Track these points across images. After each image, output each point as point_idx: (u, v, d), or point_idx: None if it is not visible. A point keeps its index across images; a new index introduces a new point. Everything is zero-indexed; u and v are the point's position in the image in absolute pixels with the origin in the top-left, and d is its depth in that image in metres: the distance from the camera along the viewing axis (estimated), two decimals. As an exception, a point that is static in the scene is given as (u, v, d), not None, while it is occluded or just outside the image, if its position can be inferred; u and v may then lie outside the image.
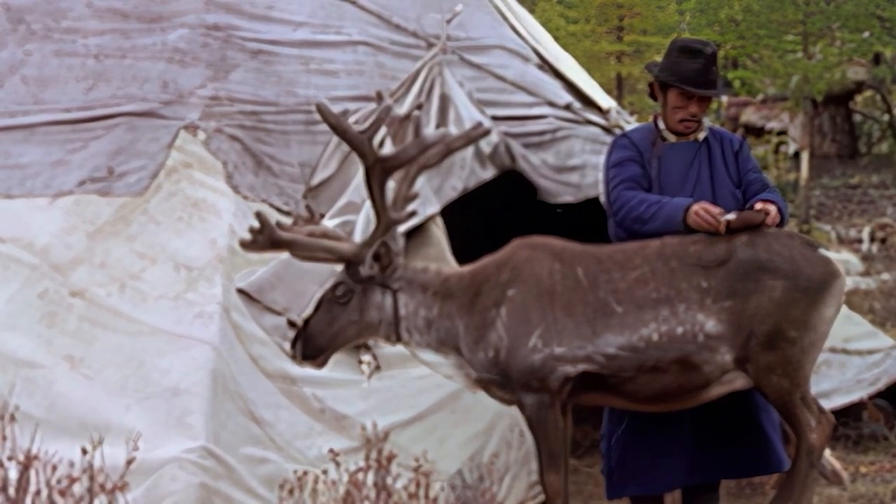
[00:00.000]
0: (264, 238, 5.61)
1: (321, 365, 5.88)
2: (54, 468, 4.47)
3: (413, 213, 5.92)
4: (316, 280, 6.40)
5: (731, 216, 5.88)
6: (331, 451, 5.29)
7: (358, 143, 5.57)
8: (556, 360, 5.66)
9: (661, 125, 6.11)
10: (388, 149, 6.38)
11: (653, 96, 6.23)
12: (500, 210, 8.38)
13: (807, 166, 19.92)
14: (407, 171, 5.90)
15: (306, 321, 5.87)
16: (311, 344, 5.78)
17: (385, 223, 5.70)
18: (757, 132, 23.99)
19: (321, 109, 5.57)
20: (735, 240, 5.79)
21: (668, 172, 6.08)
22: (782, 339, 5.66)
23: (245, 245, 5.71)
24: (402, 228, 6.07)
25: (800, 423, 5.79)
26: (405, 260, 5.94)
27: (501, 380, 5.77)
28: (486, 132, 6.35)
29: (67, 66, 7.05)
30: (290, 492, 4.98)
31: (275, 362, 6.22)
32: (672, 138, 6.12)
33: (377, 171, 5.59)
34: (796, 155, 21.95)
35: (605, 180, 6.19)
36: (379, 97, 6.31)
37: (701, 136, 6.15)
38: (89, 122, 6.83)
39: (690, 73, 5.94)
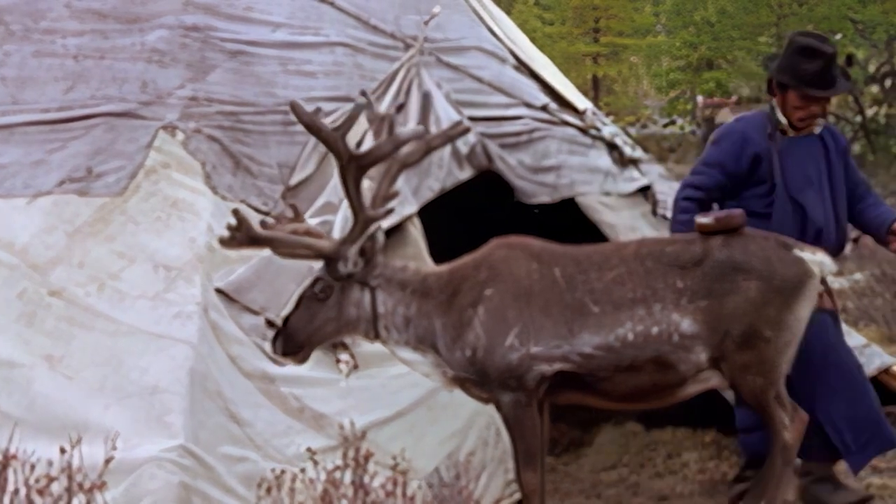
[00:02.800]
0: (242, 235, 5.65)
1: (301, 361, 5.92)
2: (32, 467, 4.48)
3: (390, 211, 5.95)
4: (294, 279, 6.43)
5: (708, 219, 5.93)
6: (308, 449, 5.31)
7: (331, 141, 5.60)
8: (533, 359, 5.71)
9: (782, 119, 6.34)
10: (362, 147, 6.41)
11: (770, 91, 6.46)
12: (477, 210, 8.40)
13: (780, 167, 20.03)
14: (388, 169, 5.94)
15: (286, 318, 5.91)
16: (291, 340, 5.82)
17: (362, 221, 5.73)
18: (731, 133, 24.06)
19: (295, 108, 5.60)
20: (711, 241, 5.85)
21: (792, 167, 6.33)
22: (757, 338, 5.71)
23: (223, 242, 5.74)
24: (382, 227, 6.09)
25: (774, 422, 5.85)
26: (384, 258, 5.98)
27: (478, 378, 5.81)
28: (466, 130, 6.39)
29: (46, 66, 7.04)
30: (268, 490, 5.00)
31: (253, 361, 6.23)
32: (791, 132, 6.40)
33: (352, 169, 5.62)
34: (770, 156, 22.06)
35: (700, 158, 6.74)
36: (363, 96, 6.35)
37: (817, 130, 6.41)
38: (68, 123, 6.81)
39: (810, 75, 6.15)
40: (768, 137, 6.23)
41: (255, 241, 5.74)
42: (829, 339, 6.41)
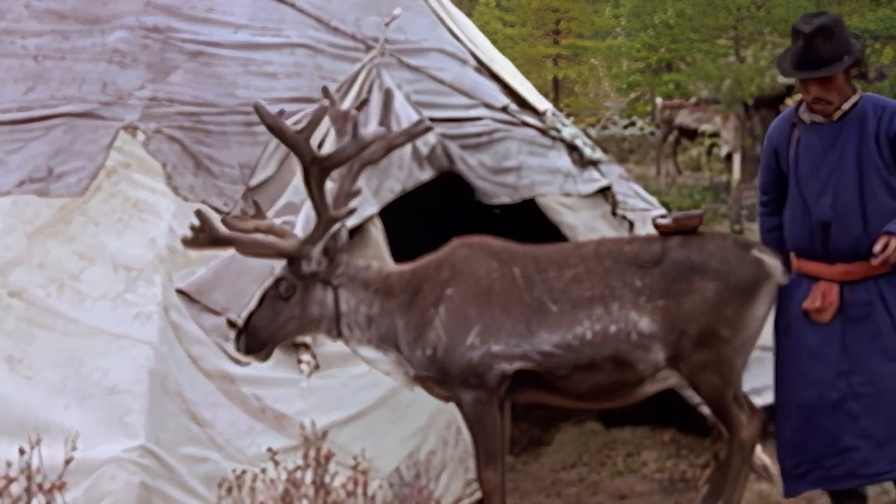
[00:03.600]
0: (205, 235, 5.65)
1: (264, 358, 5.94)
2: (-8, 468, 4.46)
3: (353, 211, 5.96)
4: (255, 280, 6.43)
5: (667, 220, 5.98)
6: (269, 449, 5.31)
7: (295, 143, 5.61)
8: (494, 357, 5.73)
9: (802, 108, 5.84)
10: (327, 148, 6.42)
11: None
12: (437, 211, 8.43)
13: (739, 168, 20.08)
14: (349, 167, 5.96)
15: (249, 317, 5.92)
16: (253, 338, 5.84)
17: (325, 221, 5.74)
18: (690, 134, 24.16)
19: (259, 110, 5.60)
20: (669, 241, 5.89)
21: (802, 158, 5.74)
22: (714, 338, 5.75)
23: (186, 242, 5.74)
24: (346, 226, 6.11)
25: (732, 421, 5.90)
26: (347, 257, 5.99)
27: (440, 377, 5.84)
28: (427, 129, 6.42)
29: (6, 67, 6.99)
30: (229, 490, 4.99)
31: (214, 362, 6.22)
32: (807, 119, 5.74)
33: (315, 171, 5.63)
34: (728, 157, 22.09)
35: None
36: (326, 94, 6.36)
37: (837, 115, 5.58)
38: (28, 123, 6.78)
39: (793, 56, 5.67)
40: (791, 129, 5.83)
41: (218, 241, 5.75)
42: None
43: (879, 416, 5.52)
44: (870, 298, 5.54)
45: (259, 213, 6.04)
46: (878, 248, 5.33)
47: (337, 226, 5.86)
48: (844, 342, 5.56)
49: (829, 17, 5.54)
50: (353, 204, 6.04)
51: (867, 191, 5.44)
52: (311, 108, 6.88)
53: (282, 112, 5.68)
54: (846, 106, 5.54)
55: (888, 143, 5.42)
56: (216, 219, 5.94)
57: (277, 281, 5.88)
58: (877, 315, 5.53)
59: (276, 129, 5.64)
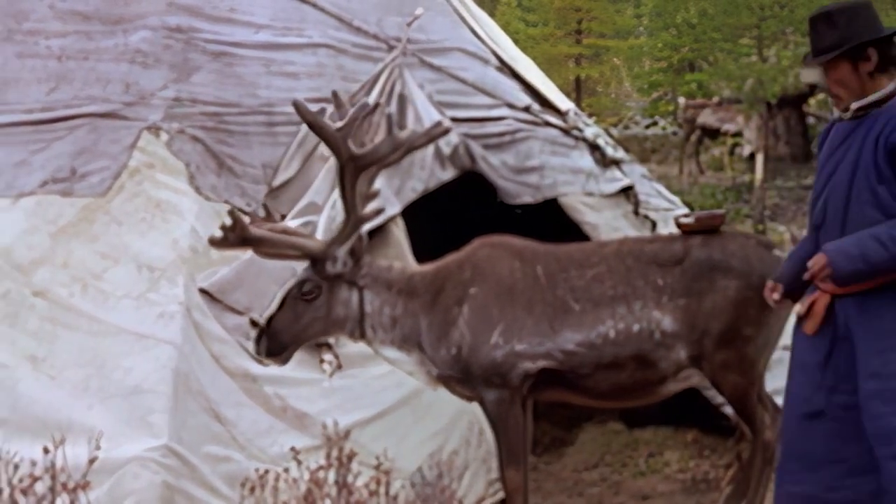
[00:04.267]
0: (235, 235, 5.67)
1: (284, 361, 5.95)
2: (16, 467, 4.47)
3: (381, 212, 5.98)
4: (277, 280, 6.44)
5: (689, 219, 5.97)
6: (292, 449, 5.32)
7: (333, 141, 5.62)
8: (517, 356, 5.73)
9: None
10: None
11: None
12: (459, 211, 8.42)
13: (761, 168, 20.00)
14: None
15: (270, 318, 5.92)
16: (275, 341, 5.85)
17: (354, 221, 5.75)
18: (713, 134, 24.09)
19: (298, 107, 5.62)
20: (691, 240, 5.88)
21: (822, 157, 5.14)
22: (737, 337, 5.74)
23: (215, 242, 5.75)
24: (365, 228, 6.11)
25: (755, 421, 5.89)
26: (370, 258, 6.00)
27: (463, 376, 5.84)
28: (447, 130, 6.41)
29: (30, 67, 7.03)
30: (252, 490, 5.00)
31: (236, 361, 6.24)
32: (837, 114, 5.14)
33: (350, 169, 5.65)
34: (751, 157, 22.03)
35: None
36: (335, 97, 6.37)
37: (849, 112, 4.96)
38: (52, 123, 6.81)
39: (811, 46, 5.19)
40: (831, 125, 5.20)
41: (248, 241, 5.77)
42: None
43: (853, 441, 4.85)
44: (855, 314, 4.82)
45: (270, 217, 6.06)
46: (810, 262, 4.82)
47: (364, 227, 5.88)
48: (830, 357, 4.91)
49: (844, 3, 5.02)
50: (375, 205, 6.04)
51: (853, 198, 4.81)
52: (332, 109, 6.91)
53: (322, 110, 5.68)
54: (859, 103, 4.87)
55: (885, 150, 4.73)
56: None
57: (301, 282, 5.89)
58: (859, 334, 4.82)
59: (316, 127, 5.65)
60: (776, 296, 5.00)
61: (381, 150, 5.76)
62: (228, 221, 5.70)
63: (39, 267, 6.31)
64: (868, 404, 4.65)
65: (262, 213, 6.72)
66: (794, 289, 4.99)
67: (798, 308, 5.05)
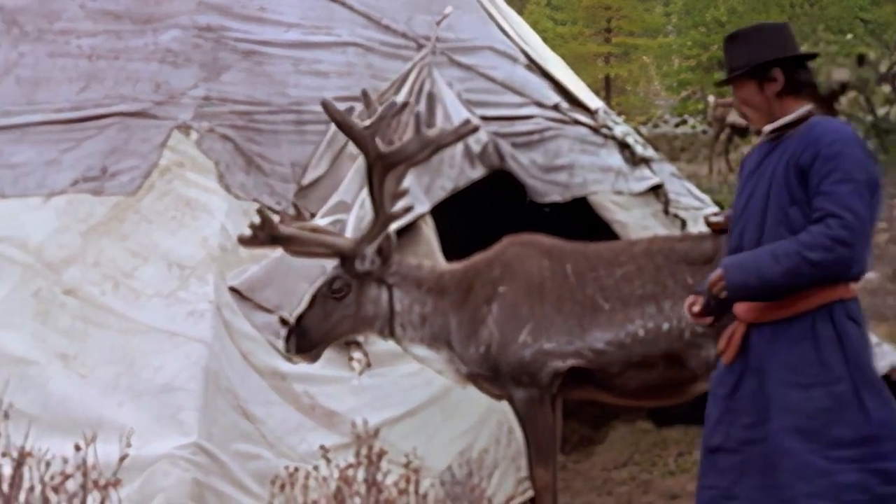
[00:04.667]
0: (265, 234, 5.69)
1: (314, 359, 5.96)
2: (48, 465, 4.50)
3: (409, 209, 5.99)
4: (306, 278, 6.46)
5: (719, 218, 5.94)
6: (321, 447, 5.33)
7: (361, 139, 5.63)
8: (546, 355, 5.73)
9: None
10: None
11: None
12: (489, 209, 8.42)
13: (792, 166, 19.95)
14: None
15: (300, 316, 5.94)
16: (305, 338, 5.86)
17: (383, 219, 5.76)
18: (742, 132, 24.01)
19: (327, 106, 5.63)
20: (721, 238, 5.85)
21: (740, 181, 5.01)
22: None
23: (245, 241, 5.78)
24: (394, 226, 6.12)
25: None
26: (399, 256, 6.00)
27: (491, 375, 5.84)
28: (475, 128, 6.41)
29: (61, 66, 7.07)
30: (282, 487, 5.01)
31: (266, 359, 6.25)
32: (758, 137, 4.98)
33: (378, 167, 5.66)
34: (781, 155, 21.97)
35: None
36: (365, 96, 6.38)
37: (763, 134, 4.81)
38: (82, 122, 6.85)
39: None
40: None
41: (277, 239, 5.79)
42: None
43: (751, 478, 4.64)
44: (767, 344, 4.63)
45: (300, 215, 6.07)
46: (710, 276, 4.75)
47: (393, 225, 5.89)
48: (737, 389, 4.73)
49: (758, 24, 5.03)
50: (403, 203, 6.05)
51: (768, 220, 4.64)
52: (361, 107, 6.92)
53: (350, 109, 5.69)
54: (772, 126, 4.71)
55: (796, 172, 4.53)
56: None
57: (331, 280, 5.90)
58: (771, 366, 4.61)
59: (344, 126, 5.66)
60: (696, 308, 4.89)
61: (409, 149, 5.76)
62: (257, 220, 5.72)
63: (70, 265, 6.35)
64: (783, 439, 4.47)
65: (291, 211, 6.75)
66: (715, 307, 4.80)
67: (720, 343, 4.85)
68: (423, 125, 5.96)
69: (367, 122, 5.68)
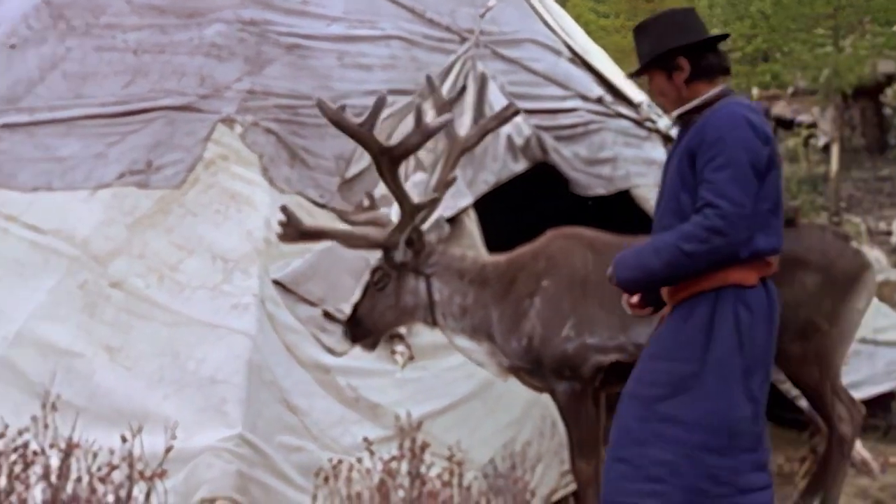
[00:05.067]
0: (292, 230, 5.71)
1: (372, 347, 6.01)
2: (95, 456, 4.54)
3: (436, 200, 5.98)
4: (350, 271, 6.47)
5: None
6: (365, 439, 5.35)
7: (359, 136, 5.63)
8: (589, 349, 5.71)
9: None
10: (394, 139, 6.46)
11: None
12: (532, 202, 8.41)
13: (836, 159, 19.84)
14: (448, 154, 5.99)
15: (354, 306, 5.98)
16: (358, 328, 5.91)
17: (409, 211, 5.76)
18: (787, 125, 23.89)
19: (321, 105, 5.63)
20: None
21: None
22: (814, 330, 5.68)
23: (280, 237, 5.80)
24: (433, 218, 6.13)
25: (831, 414, 5.82)
26: (444, 246, 6.00)
27: (533, 368, 5.82)
28: (516, 111, 6.42)
29: (107, 61, 7.12)
30: (326, 479, 5.03)
31: (309, 352, 6.27)
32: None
33: (385, 161, 5.66)
34: (826, 148, 21.85)
35: None
36: (429, 83, 6.39)
37: (672, 118, 4.89)
38: (128, 116, 6.90)
39: None
40: None
41: (305, 235, 5.81)
42: None
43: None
44: (665, 325, 4.68)
45: (373, 205, 6.09)
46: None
47: (431, 216, 5.89)
48: None
49: (662, 12, 4.93)
50: (437, 193, 6.06)
51: (666, 207, 4.70)
52: (405, 100, 6.94)
53: (343, 107, 5.68)
54: (677, 112, 4.77)
55: (687, 157, 4.56)
56: (311, 210, 6.00)
57: (373, 271, 5.93)
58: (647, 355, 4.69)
59: (340, 125, 5.65)
60: (634, 299, 4.85)
61: (411, 142, 5.75)
62: (301, 215, 5.75)
63: (116, 258, 6.38)
64: (620, 402, 4.59)
65: (334, 204, 6.77)
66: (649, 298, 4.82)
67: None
68: (425, 116, 5.96)
69: (360, 120, 5.67)
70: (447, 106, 6.22)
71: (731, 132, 4.44)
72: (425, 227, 6.02)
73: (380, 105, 5.62)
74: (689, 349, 4.45)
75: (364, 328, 5.92)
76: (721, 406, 4.38)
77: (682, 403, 4.38)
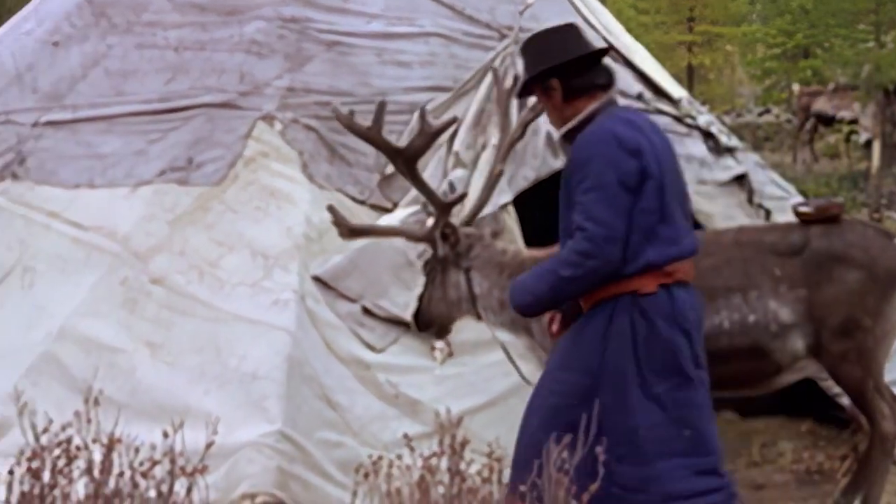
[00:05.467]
0: (342, 228, 5.75)
1: (440, 336, 6.06)
2: (136, 451, 4.56)
3: (463, 196, 5.99)
4: (389, 267, 6.50)
5: (808, 208, 5.89)
6: (405, 435, 5.35)
7: (374, 140, 5.66)
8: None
9: None
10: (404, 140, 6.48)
11: None
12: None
13: (878, 155, 19.71)
14: (499, 147, 6.03)
15: (419, 297, 6.04)
16: (422, 317, 5.96)
17: (438, 207, 5.78)
18: (828, 121, 23.74)
19: (335, 111, 5.69)
20: (810, 229, 5.80)
21: None
22: (856, 328, 5.65)
23: (342, 234, 5.85)
24: (486, 212, 6.18)
25: (873, 412, 5.79)
26: (490, 240, 6.00)
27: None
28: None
29: (148, 58, 7.17)
30: (366, 476, 5.03)
31: (349, 348, 6.29)
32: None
33: (400, 163, 5.69)
34: (867, 144, 21.69)
35: None
36: (494, 75, 6.41)
37: (558, 138, 4.85)
38: (168, 114, 6.95)
39: None
40: None
41: (353, 232, 5.85)
42: None
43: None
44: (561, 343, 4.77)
45: (464, 195, 6.16)
46: None
47: (483, 210, 5.94)
48: None
49: (539, 31, 4.94)
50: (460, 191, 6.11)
51: (562, 226, 4.66)
52: (443, 97, 6.94)
53: (352, 112, 5.71)
54: (559, 134, 4.79)
55: (566, 177, 4.58)
56: (350, 208, 6.04)
57: (424, 265, 5.99)
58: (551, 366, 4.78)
59: (353, 129, 5.70)
60: (555, 327, 4.88)
61: (418, 143, 5.75)
62: (342, 213, 5.80)
63: (157, 254, 6.43)
64: (525, 415, 4.69)
65: (374, 200, 6.79)
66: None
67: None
68: (428, 115, 5.98)
69: (368, 124, 5.68)
70: (508, 96, 6.26)
71: (596, 151, 4.44)
72: (479, 219, 6.07)
73: (382, 109, 5.64)
74: (585, 360, 4.50)
75: (426, 319, 5.97)
76: (618, 416, 4.39)
77: (584, 413, 4.35)
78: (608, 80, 4.78)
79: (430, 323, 5.99)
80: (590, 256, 4.36)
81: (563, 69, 4.66)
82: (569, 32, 4.81)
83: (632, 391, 4.44)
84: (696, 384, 4.60)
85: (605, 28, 8.28)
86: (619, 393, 4.43)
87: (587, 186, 4.40)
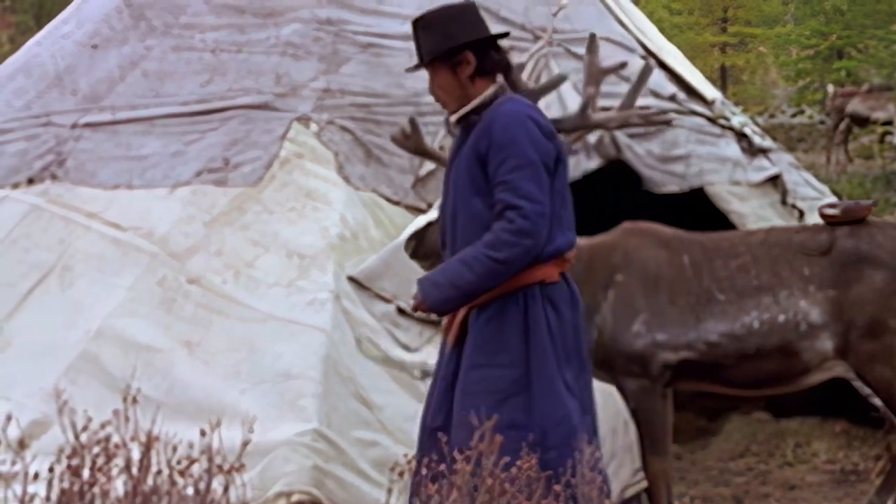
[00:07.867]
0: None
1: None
2: (174, 449, 4.60)
3: None
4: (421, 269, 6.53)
5: (833, 210, 5.90)
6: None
7: (401, 143, 5.78)
8: (658, 346, 5.73)
9: None
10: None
11: None
12: (605, 201, 8.41)
13: (913, 157, 19.59)
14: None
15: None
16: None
17: None
18: (862, 122, 23.60)
19: (394, 136, 5.82)
20: (838, 230, 5.81)
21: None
22: (884, 328, 5.67)
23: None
24: None
25: (904, 413, 5.80)
26: None
27: (602, 361, 5.83)
28: (563, 78, 6.47)
29: (185, 60, 7.23)
30: (400, 475, 5.06)
31: (384, 348, 6.33)
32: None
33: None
34: (902, 145, 21.58)
35: None
36: (590, 43, 6.56)
37: (457, 119, 4.71)
38: (206, 115, 7.00)
39: None
40: None
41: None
42: None
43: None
44: (473, 321, 4.58)
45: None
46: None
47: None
48: (441, 369, 4.75)
49: (443, 7, 4.81)
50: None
51: (458, 215, 4.58)
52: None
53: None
54: (458, 114, 4.66)
55: (476, 160, 4.47)
56: (386, 209, 6.12)
57: None
58: (468, 344, 4.58)
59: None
60: (451, 338, 4.68)
61: (430, 150, 5.88)
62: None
63: (194, 255, 6.48)
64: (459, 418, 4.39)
65: (408, 201, 6.84)
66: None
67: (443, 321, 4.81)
68: (421, 128, 6.24)
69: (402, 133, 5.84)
70: (603, 73, 6.36)
71: (519, 130, 4.41)
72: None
73: (415, 125, 5.76)
74: (509, 354, 4.42)
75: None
76: (548, 406, 4.37)
77: (514, 408, 4.34)
78: (509, 66, 4.76)
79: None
80: (527, 234, 4.30)
81: (481, 44, 4.63)
82: (476, 10, 4.79)
83: (557, 381, 4.42)
84: (587, 368, 4.60)
85: (639, 29, 8.28)
86: (548, 384, 4.40)
87: (513, 165, 4.35)
